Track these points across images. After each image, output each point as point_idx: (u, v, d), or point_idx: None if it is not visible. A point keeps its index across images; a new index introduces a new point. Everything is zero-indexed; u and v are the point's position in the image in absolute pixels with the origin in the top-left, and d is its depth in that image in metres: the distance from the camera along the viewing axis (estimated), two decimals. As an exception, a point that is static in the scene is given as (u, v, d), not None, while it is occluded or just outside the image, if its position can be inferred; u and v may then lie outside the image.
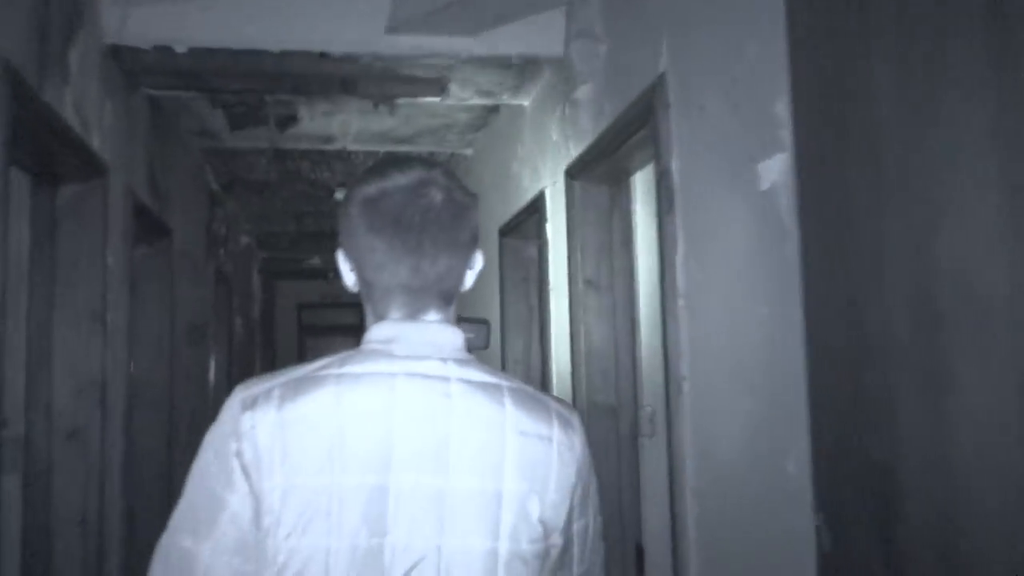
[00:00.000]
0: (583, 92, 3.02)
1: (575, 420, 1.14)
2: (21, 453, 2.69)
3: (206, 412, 5.36)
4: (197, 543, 1.01)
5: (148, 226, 3.81)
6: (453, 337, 1.12)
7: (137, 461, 3.77)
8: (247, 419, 1.03)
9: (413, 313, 1.11)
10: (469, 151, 5.28)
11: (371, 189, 1.09)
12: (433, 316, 1.12)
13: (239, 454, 1.02)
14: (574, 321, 3.15)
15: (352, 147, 5.13)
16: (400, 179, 1.08)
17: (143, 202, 3.61)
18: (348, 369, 1.06)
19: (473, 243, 1.15)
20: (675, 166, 2.27)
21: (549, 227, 3.52)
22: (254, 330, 8.88)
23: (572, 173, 3.15)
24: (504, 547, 1.03)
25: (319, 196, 6.71)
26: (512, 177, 4.23)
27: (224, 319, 6.57)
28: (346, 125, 4.64)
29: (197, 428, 5.05)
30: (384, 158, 1.52)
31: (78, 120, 2.70)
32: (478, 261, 1.17)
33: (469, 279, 1.17)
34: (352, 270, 1.14)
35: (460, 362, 1.10)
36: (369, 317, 1.15)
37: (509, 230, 4.31)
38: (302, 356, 13.09)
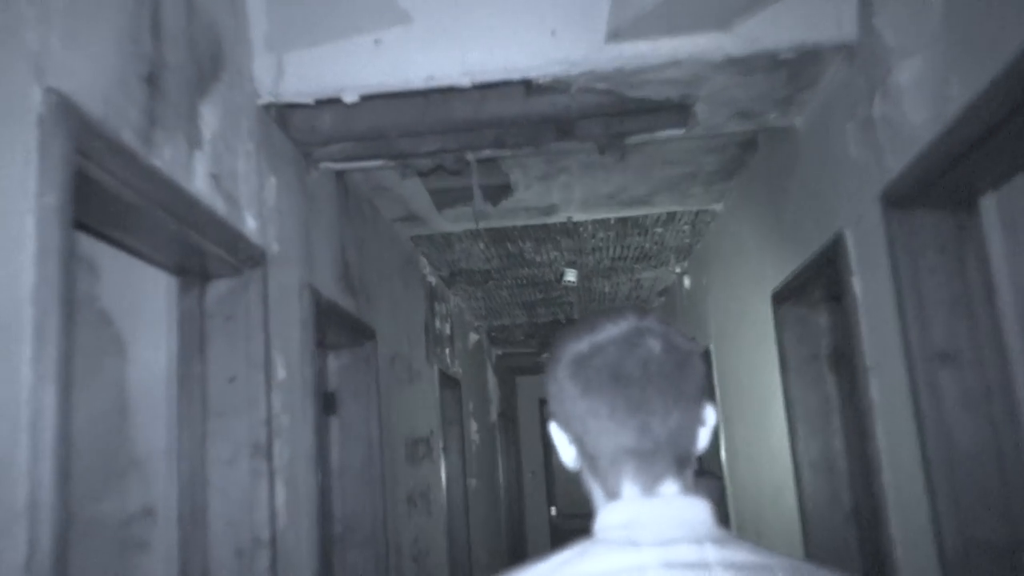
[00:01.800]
0: (905, 73, 2.03)
1: None
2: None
3: (434, 536, 4.63)
4: None
5: (342, 328, 3.18)
6: (702, 511, 0.95)
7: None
8: None
9: (648, 484, 0.96)
10: (719, 206, 4.33)
11: (581, 345, 0.98)
12: (671, 487, 0.96)
13: None
14: (921, 414, 2.08)
15: (578, 216, 4.35)
16: (612, 330, 0.97)
17: (332, 300, 2.98)
18: (590, 566, 0.90)
19: (701, 395, 0.98)
20: None
21: (857, 282, 2.49)
22: (494, 433, 8.23)
23: (893, 199, 2.14)
24: None
25: (548, 281, 6.00)
26: (785, 226, 3.24)
27: (455, 426, 5.92)
28: (568, 189, 3.87)
29: (425, 554, 4.32)
30: (588, 314, 1.25)
31: (220, 196, 2.08)
32: (710, 416, 0.99)
33: (703, 438, 0.98)
34: (572, 443, 1.00)
35: (718, 542, 0.92)
36: (597, 497, 0.99)
37: (788, 294, 3.30)
38: (548, 454, 12.43)
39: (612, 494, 0.97)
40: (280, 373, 2.38)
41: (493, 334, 8.06)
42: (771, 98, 2.66)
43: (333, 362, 3.48)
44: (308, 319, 2.65)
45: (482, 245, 4.83)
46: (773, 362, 3.53)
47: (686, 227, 4.74)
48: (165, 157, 1.81)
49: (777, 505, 3.72)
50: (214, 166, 2.07)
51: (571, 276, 5.51)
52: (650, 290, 6.53)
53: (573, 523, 10.45)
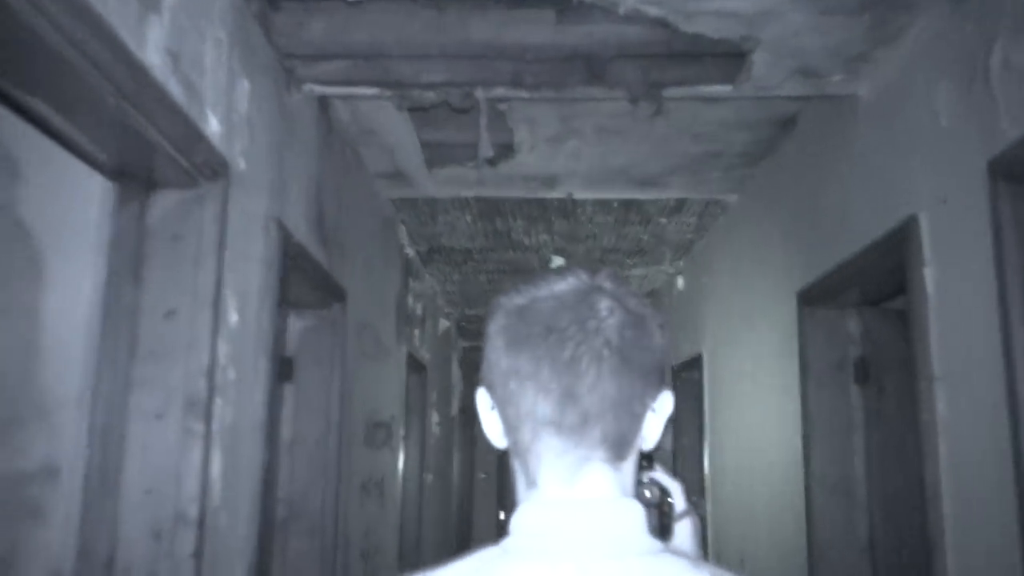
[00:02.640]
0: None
1: None
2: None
3: (385, 531, 4.19)
4: None
5: (309, 282, 2.74)
6: (632, 521, 0.79)
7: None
8: None
9: (571, 469, 0.79)
10: (733, 198, 3.95)
11: (519, 298, 0.83)
12: (600, 478, 0.80)
13: None
14: (1022, 435, 1.69)
15: (580, 194, 3.94)
16: (557, 284, 0.82)
17: (303, 245, 2.54)
18: None
19: (655, 374, 0.81)
20: None
21: (931, 274, 2.10)
22: (453, 428, 7.79)
23: (1006, 170, 1.76)
24: None
25: (532, 270, 5.57)
26: (822, 216, 2.86)
27: (417, 415, 5.48)
28: (575, 158, 3.46)
29: (376, 552, 3.88)
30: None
31: (177, 80, 1.64)
32: (665, 402, 0.82)
33: (653, 428, 0.82)
34: (493, 408, 0.83)
35: (645, 557, 0.77)
36: (518, 482, 0.84)
37: (818, 295, 2.92)
38: (503, 459, 11.90)
39: (531, 481, 0.82)
40: (231, 317, 1.93)
41: (463, 324, 7.62)
42: (843, 54, 2.27)
43: (295, 322, 3.03)
44: (274, 259, 2.21)
45: (469, 218, 4.40)
46: (787, 371, 3.15)
47: (692, 219, 4.35)
48: (109, 6, 1.37)
49: (774, 533, 3.34)
50: (172, 42, 1.63)
51: (557, 263, 5.10)
52: (637, 290, 6.13)
53: (522, 530, 10.02)
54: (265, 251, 2.17)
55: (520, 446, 0.82)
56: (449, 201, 4.11)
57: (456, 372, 7.93)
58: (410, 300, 4.97)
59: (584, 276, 0.83)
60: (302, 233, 2.53)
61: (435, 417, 6.41)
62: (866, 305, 2.96)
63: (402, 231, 4.55)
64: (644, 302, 0.84)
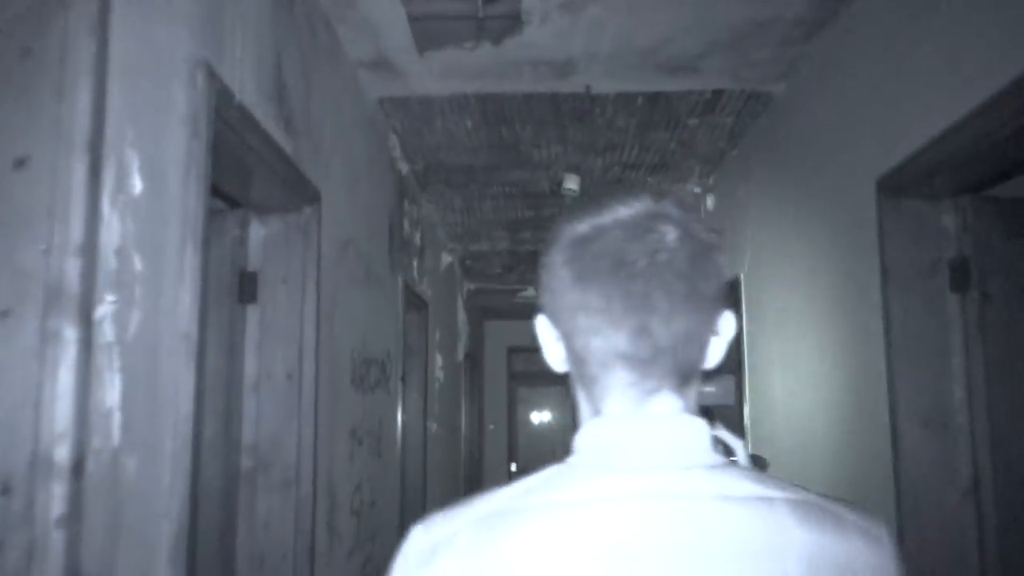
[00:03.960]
0: None
1: (883, 535, 0.81)
2: None
3: (383, 485, 3.67)
4: None
5: (268, 174, 2.16)
6: (698, 434, 0.80)
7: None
8: None
9: (641, 398, 0.80)
10: (780, 87, 3.35)
11: (582, 227, 0.81)
12: (668, 403, 0.81)
13: None
14: None
15: (600, 86, 3.34)
16: (621, 211, 0.80)
17: (251, 113, 1.96)
18: (557, 495, 0.78)
19: (719, 300, 0.81)
20: None
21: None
22: (459, 374, 7.26)
23: None
24: None
25: (542, 193, 5.00)
26: (911, 81, 2.27)
27: (418, 356, 4.94)
28: (597, 31, 2.85)
29: (372, 508, 3.36)
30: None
31: None
32: (728, 325, 0.82)
33: (716, 351, 0.82)
34: (558, 339, 0.84)
35: (711, 470, 0.78)
36: (582, 409, 0.85)
37: (907, 181, 2.33)
38: (512, 407, 11.50)
39: (598, 407, 0.82)
40: (133, 183, 1.36)
41: (468, 262, 7.06)
42: None
43: (257, 230, 2.46)
44: (201, 118, 1.62)
45: (470, 123, 3.80)
46: (862, 280, 2.58)
47: (727, 120, 3.75)
48: None
49: (848, 478, 2.79)
50: None
51: (572, 183, 4.50)
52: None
53: (535, 482, 9.52)
54: (189, 105, 1.58)
55: (587, 377, 0.82)
56: (446, 101, 3.52)
57: (462, 314, 7.38)
58: (406, 225, 4.39)
59: (648, 202, 0.81)
60: (251, 98, 1.95)
61: (439, 360, 5.87)
62: (965, 193, 2.37)
63: (393, 141, 3.96)
64: (708, 228, 0.82)
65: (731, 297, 4.10)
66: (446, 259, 6.19)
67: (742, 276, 3.99)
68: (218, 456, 2.35)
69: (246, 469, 2.39)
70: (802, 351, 3.17)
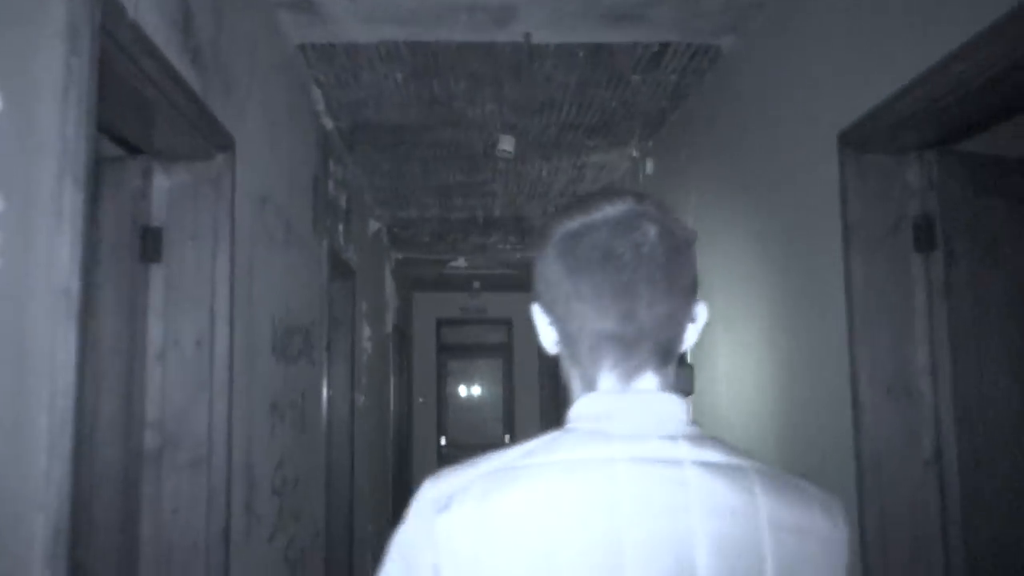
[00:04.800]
0: None
1: (837, 506, 0.91)
2: None
3: (307, 461, 3.43)
4: None
5: (173, 109, 1.89)
6: (679, 408, 0.92)
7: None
8: (443, 524, 0.85)
9: (628, 373, 0.92)
10: (729, 40, 3.19)
11: (573, 224, 0.93)
12: (651, 379, 0.93)
13: (436, 568, 0.85)
14: None
15: (540, 35, 3.13)
16: (608, 210, 0.92)
17: (152, 41, 1.69)
18: (558, 456, 0.88)
19: (693, 289, 0.94)
20: None
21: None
22: (387, 346, 7.00)
23: None
24: None
25: (475, 155, 4.77)
26: (873, 34, 2.12)
27: (345, 326, 4.69)
28: (540, -28, 2.63)
29: (295, 486, 3.13)
30: (586, 195, 1.20)
31: None
32: (701, 313, 0.95)
33: (691, 335, 0.95)
34: (552, 324, 0.96)
35: (693, 440, 0.89)
36: (574, 386, 0.96)
37: (870, 134, 2.19)
38: (441, 381, 11.27)
39: (589, 383, 0.94)
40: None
41: (396, 230, 6.78)
42: None
43: (161, 181, 2.19)
44: (84, 33, 1.36)
45: (400, 76, 3.55)
46: (817, 240, 2.44)
47: (671, 77, 3.57)
48: None
49: (794, 445, 2.67)
50: None
51: (507, 144, 4.27)
52: (593, 182, 5.38)
53: (464, 454, 9.21)
54: (67, 17, 1.32)
55: (579, 356, 0.93)
56: (374, 50, 3.25)
57: (390, 284, 7.12)
58: (331, 187, 4.12)
59: (632, 202, 0.91)
60: (149, 19, 1.68)
61: (367, 332, 5.62)
62: (931, 148, 2.24)
63: (317, 94, 3.68)
64: (683, 225, 0.93)
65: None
66: (373, 225, 5.93)
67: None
68: (117, 434, 2.09)
69: (150, 448, 2.14)
70: (753, 315, 3.04)
